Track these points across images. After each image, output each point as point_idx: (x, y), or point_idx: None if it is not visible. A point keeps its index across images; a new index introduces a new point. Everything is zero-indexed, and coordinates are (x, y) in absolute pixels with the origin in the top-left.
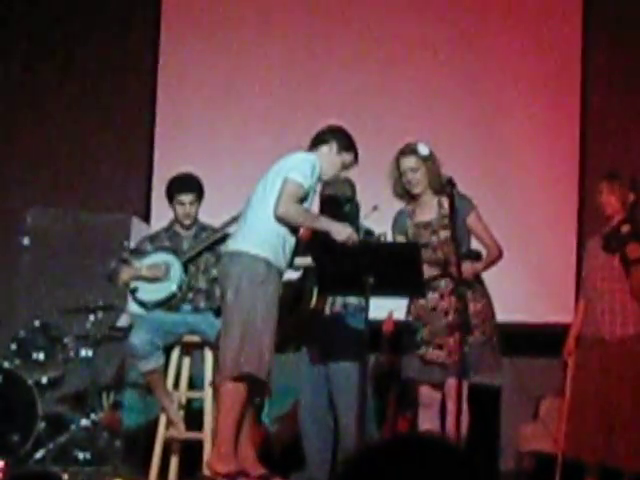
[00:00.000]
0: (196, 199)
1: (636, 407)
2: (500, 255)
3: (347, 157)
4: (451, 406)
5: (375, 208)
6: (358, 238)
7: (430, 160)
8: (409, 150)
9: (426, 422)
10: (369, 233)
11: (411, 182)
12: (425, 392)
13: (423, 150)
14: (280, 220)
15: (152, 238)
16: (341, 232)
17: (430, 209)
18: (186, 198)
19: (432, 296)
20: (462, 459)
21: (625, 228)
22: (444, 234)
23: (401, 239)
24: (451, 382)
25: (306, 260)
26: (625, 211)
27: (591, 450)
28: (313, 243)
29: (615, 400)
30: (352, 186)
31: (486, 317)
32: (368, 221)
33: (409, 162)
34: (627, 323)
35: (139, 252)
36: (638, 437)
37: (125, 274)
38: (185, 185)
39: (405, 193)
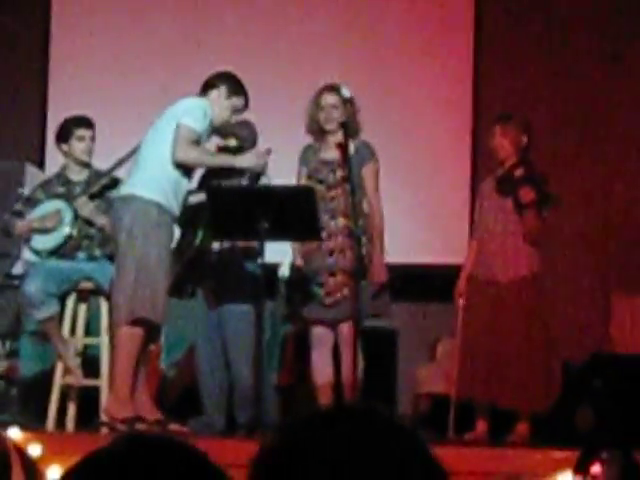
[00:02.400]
0: (93, 137)
1: (526, 348)
2: (381, 222)
3: (237, 101)
4: (344, 350)
5: (269, 152)
6: (265, 162)
7: (349, 103)
8: (332, 88)
9: (317, 362)
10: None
11: (328, 118)
12: (316, 332)
13: (345, 92)
14: (179, 165)
15: (43, 185)
16: (246, 159)
17: (335, 149)
18: (86, 133)
19: None
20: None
21: (518, 172)
22: (340, 174)
23: (304, 171)
24: (342, 326)
25: (200, 197)
26: (518, 154)
27: (482, 391)
28: (208, 188)
29: (506, 341)
30: (250, 128)
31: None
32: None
33: (331, 99)
34: (519, 265)
35: (32, 201)
36: (528, 379)
37: (18, 228)
38: (84, 120)
39: (317, 130)
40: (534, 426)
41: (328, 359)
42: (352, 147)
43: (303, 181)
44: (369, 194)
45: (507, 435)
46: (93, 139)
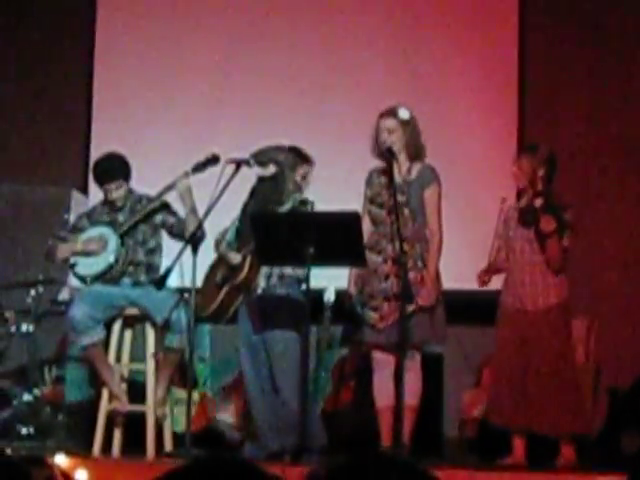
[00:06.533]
0: (122, 182)
1: (557, 376)
2: (439, 243)
3: None
4: (405, 375)
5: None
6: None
7: (408, 125)
8: (389, 112)
9: (378, 386)
10: (304, 202)
11: (385, 142)
12: (376, 355)
13: (403, 114)
14: None
15: (89, 214)
16: None
17: (398, 172)
18: (109, 187)
19: (375, 258)
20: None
21: (538, 202)
22: (400, 198)
23: (367, 194)
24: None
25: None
26: (536, 185)
27: (512, 418)
28: (252, 217)
29: (535, 368)
30: (285, 152)
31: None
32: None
33: (387, 123)
34: (549, 294)
35: (76, 229)
36: (557, 405)
37: (61, 251)
38: (106, 174)
39: (381, 154)
40: (580, 450)
41: (389, 382)
42: (415, 170)
43: (366, 204)
44: (429, 218)
45: (554, 459)
46: (125, 179)
